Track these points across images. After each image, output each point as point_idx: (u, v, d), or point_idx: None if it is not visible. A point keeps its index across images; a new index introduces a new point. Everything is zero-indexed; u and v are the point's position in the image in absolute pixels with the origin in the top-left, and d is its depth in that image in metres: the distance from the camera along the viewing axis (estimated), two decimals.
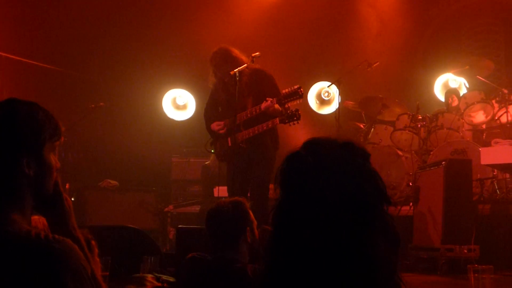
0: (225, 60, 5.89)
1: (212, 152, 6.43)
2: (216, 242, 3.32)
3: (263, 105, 5.71)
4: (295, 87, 5.65)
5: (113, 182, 8.76)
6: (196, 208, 8.33)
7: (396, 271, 1.37)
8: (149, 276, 4.11)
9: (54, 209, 1.90)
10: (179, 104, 10.00)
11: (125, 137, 9.62)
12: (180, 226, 5.40)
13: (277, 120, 5.70)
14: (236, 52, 5.97)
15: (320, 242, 1.29)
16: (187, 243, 4.73)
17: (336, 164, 1.34)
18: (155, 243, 5.31)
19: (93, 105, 8.50)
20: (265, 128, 5.79)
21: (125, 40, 10.07)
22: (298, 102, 5.70)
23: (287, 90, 5.68)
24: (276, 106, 5.71)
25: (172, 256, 5.01)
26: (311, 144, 1.39)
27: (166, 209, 8.41)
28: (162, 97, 9.91)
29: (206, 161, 8.49)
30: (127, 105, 9.86)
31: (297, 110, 5.65)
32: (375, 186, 1.36)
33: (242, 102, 5.96)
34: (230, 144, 6.03)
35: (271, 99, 5.69)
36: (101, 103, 8.57)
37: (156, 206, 8.60)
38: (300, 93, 5.64)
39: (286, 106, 5.74)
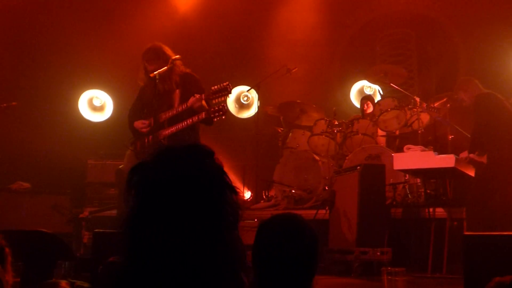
0: (157, 55, 5.87)
1: (132, 149, 6.32)
2: None
3: (190, 100, 5.72)
4: (224, 83, 5.71)
5: (25, 185, 8.47)
6: (113, 212, 8.17)
7: (241, 263, 1.44)
8: (63, 282, 3.98)
9: None
10: (96, 105, 9.79)
11: (39, 138, 9.31)
12: (96, 230, 5.27)
13: (203, 114, 5.70)
14: (169, 50, 5.98)
15: (170, 238, 1.33)
16: (104, 247, 4.62)
17: (176, 166, 1.38)
18: (69, 247, 5.17)
19: (4, 104, 8.18)
20: (189, 122, 5.77)
21: (40, 37, 9.76)
22: (225, 98, 5.79)
23: (216, 87, 5.73)
24: (203, 103, 5.73)
25: (87, 261, 4.88)
26: (157, 152, 1.43)
27: (81, 215, 8.19)
28: (79, 98, 9.67)
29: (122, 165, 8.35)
30: (41, 105, 9.55)
31: (223, 106, 5.72)
32: (218, 178, 1.40)
33: (169, 101, 5.94)
34: (150, 142, 5.96)
35: (198, 95, 5.71)
36: (13, 103, 8.26)
37: (71, 209, 8.36)
38: (229, 89, 5.71)
39: (214, 102, 5.80)
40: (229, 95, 5.83)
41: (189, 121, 5.77)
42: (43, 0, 9.89)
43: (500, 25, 9.18)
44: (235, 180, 9.56)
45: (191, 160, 1.39)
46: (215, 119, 5.70)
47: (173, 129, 5.86)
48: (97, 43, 9.73)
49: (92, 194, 8.94)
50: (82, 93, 9.69)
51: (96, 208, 8.45)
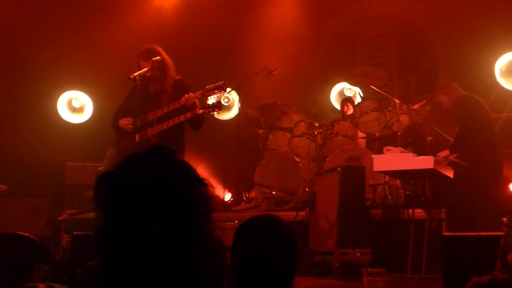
0: (153, 55, 5.87)
1: (115, 148, 6.28)
2: None
3: (184, 98, 5.72)
4: (220, 82, 5.77)
5: (2, 187, 8.38)
6: (92, 215, 8.10)
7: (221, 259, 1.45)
8: (41, 286, 3.94)
9: None
10: (75, 106, 9.72)
11: (17, 139, 9.21)
12: (75, 232, 5.23)
13: (197, 109, 5.72)
14: (164, 53, 6.01)
15: (145, 242, 1.31)
16: (83, 250, 4.59)
17: (140, 169, 1.38)
18: (48, 250, 5.11)
19: None
20: (182, 119, 5.76)
21: (19, 37, 9.66)
22: (220, 94, 5.92)
23: (210, 85, 5.77)
24: (196, 101, 5.78)
25: (66, 264, 4.84)
26: (120, 160, 1.42)
27: (60, 218, 8.11)
28: (58, 99, 9.59)
29: (101, 166, 8.30)
30: (19, 105, 9.46)
31: (219, 101, 5.81)
32: (184, 173, 1.40)
33: (160, 102, 5.93)
34: (137, 140, 5.94)
35: (192, 93, 5.74)
36: None
37: (49, 212, 8.29)
38: (224, 88, 5.81)
39: (207, 100, 5.88)
40: (224, 92, 5.90)
41: (182, 117, 5.76)
42: (21, 0, 9.79)
43: (478, 28, 9.28)
44: (215, 181, 9.55)
45: (155, 160, 1.39)
46: (210, 113, 5.75)
47: (164, 125, 5.84)
48: (77, 44, 9.65)
49: (71, 196, 8.85)
50: (61, 94, 9.62)
51: (75, 210, 8.37)
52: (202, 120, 5.90)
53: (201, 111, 5.73)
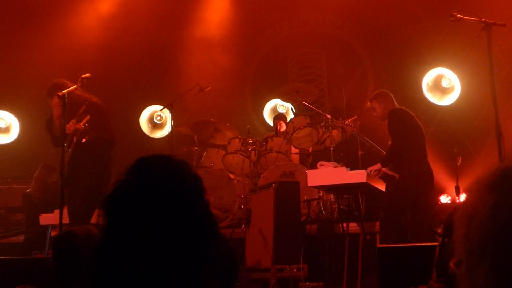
0: (59, 89, 5.84)
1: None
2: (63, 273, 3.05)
3: (66, 126, 5.79)
4: (82, 108, 5.92)
5: None
6: (20, 238, 7.81)
7: None
8: None
9: None
10: (1, 126, 9.39)
11: None
12: (1, 257, 5.01)
13: (74, 137, 5.97)
14: (70, 83, 6.06)
15: (147, 266, 1.27)
16: (9, 276, 4.39)
17: (155, 178, 1.36)
18: None
19: None
20: (70, 148, 5.97)
21: None
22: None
23: (80, 110, 5.89)
24: (78, 126, 5.83)
25: None
26: (138, 168, 1.36)
27: None
28: None
29: (29, 188, 8.03)
30: None
31: (79, 128, 5.95)
32: (198, 186, 1.43)
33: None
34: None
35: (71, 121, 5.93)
36: None
37: None
38: (85, 111, 5.97)
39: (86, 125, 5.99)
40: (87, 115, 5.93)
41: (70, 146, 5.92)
42: None
43: (406, 46, 9.57)
44: None
45: (171, 170, 1.33)
46: (83, 140, 5.86)
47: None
48: (4, 63, 9.37)
49: None
50: None
51: (1, 234, 8.07)
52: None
53: (75, 139, 5.96)
